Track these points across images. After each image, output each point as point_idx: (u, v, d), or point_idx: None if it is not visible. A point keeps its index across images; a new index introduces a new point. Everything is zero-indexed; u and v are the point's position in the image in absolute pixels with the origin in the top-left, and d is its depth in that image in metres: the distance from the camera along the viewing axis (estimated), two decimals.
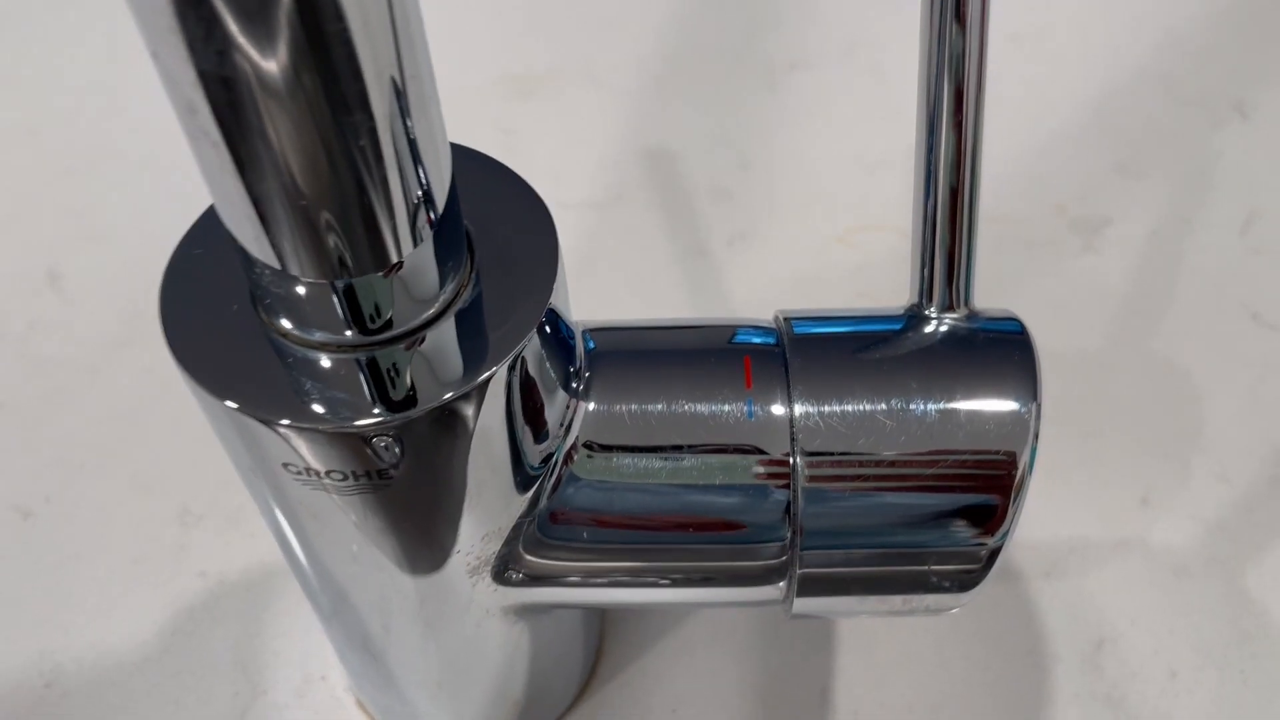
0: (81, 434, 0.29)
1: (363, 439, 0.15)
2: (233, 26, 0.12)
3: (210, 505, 0.28)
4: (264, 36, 0.12)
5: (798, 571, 0.19)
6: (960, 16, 0.19)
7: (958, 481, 0.19)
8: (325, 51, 0.12)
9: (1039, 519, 0.27)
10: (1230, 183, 0.34)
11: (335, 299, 0.15)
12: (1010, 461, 0.19)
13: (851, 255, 0.33)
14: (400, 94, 0.13)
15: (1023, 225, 0.34)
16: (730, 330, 0.20)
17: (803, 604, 0.20)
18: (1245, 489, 0.28)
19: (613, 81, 0.39)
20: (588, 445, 0.19)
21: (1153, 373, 0.30)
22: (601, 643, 0.25)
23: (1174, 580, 0.26)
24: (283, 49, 0.12)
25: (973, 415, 0.19)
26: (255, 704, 0.25)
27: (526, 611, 0.20)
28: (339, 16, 0.12)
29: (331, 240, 0.14)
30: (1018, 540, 0.27)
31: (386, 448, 0.16)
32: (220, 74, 0.12)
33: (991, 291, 0.30)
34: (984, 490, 0.19)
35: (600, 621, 0.25)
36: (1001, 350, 0.19)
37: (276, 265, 0.15)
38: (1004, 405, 0.19)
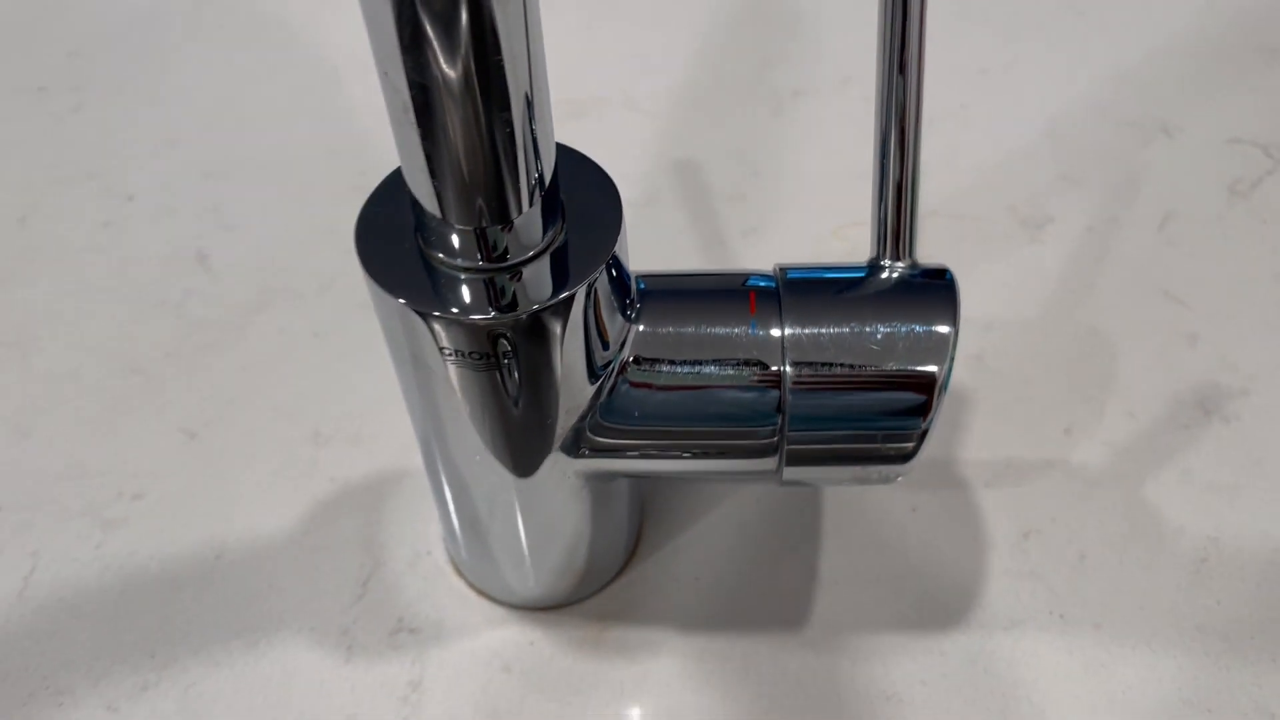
0: (231, 376, 0.37)
1: (483, 329, 0.23)
2: (432, 56, 0.20)
3: (336, 430, 0.36)
4: (452, 62, 0.20)
5: (785, 448, 0.27)
6: (903, 67, 0.26)
7: (899, 380, 0.26)
8: (487, 75, 0.20)
9: (984, 443, 0.35)
10: (1153, 189, 0.42)
11: (474, 239, 0.23)
12: (934, 369, 0.26)
13: (841, 245, 0.41)
14: (529, 104, 0.21)
15: (981, 222, 0.41)
16: (742, 276, 0.27)
17: (790, 472, 0.27)
18: (1148, 424, 0.35)
19: (648, 106, 0.47)
20: (636, 358, 0.26)
21: (1080, 336, 0.37)
22: (641, 529, 0.33)
23: (1086, 489, 0.33)
24: (462, 71, 0.20)
25: (909, 334, 0.26)
26: (376, 573, 0.32)
27: (590, 480, 0.28)
28: (498, 51, 0.20)
29: (476, 200, 0.22)
30: (967, 458, 0.34)
31: (500, 336, 0.23)
32: (421, 83, 0.20)
33: (955, 270, 0.37)
34: (916, 389, 0.26)
35: (640, 511, 0.33)
36: (933, 290, 0.27)
37: (439, 215, 0.23)
38: (932, 328, 0.26)
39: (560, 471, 0.27)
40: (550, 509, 0.28)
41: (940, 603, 0.31)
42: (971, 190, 0.42)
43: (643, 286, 0.27)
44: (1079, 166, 0.43)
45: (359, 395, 0.37)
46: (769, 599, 0.31)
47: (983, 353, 0.37)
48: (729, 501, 0.34)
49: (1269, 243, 0.40)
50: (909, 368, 0.26)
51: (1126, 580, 0.32)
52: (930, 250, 0.39)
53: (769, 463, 0.27)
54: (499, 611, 0.31)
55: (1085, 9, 0.51)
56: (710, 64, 0.49)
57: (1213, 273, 0.39)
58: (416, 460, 0.35)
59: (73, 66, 0.50)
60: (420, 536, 0.33)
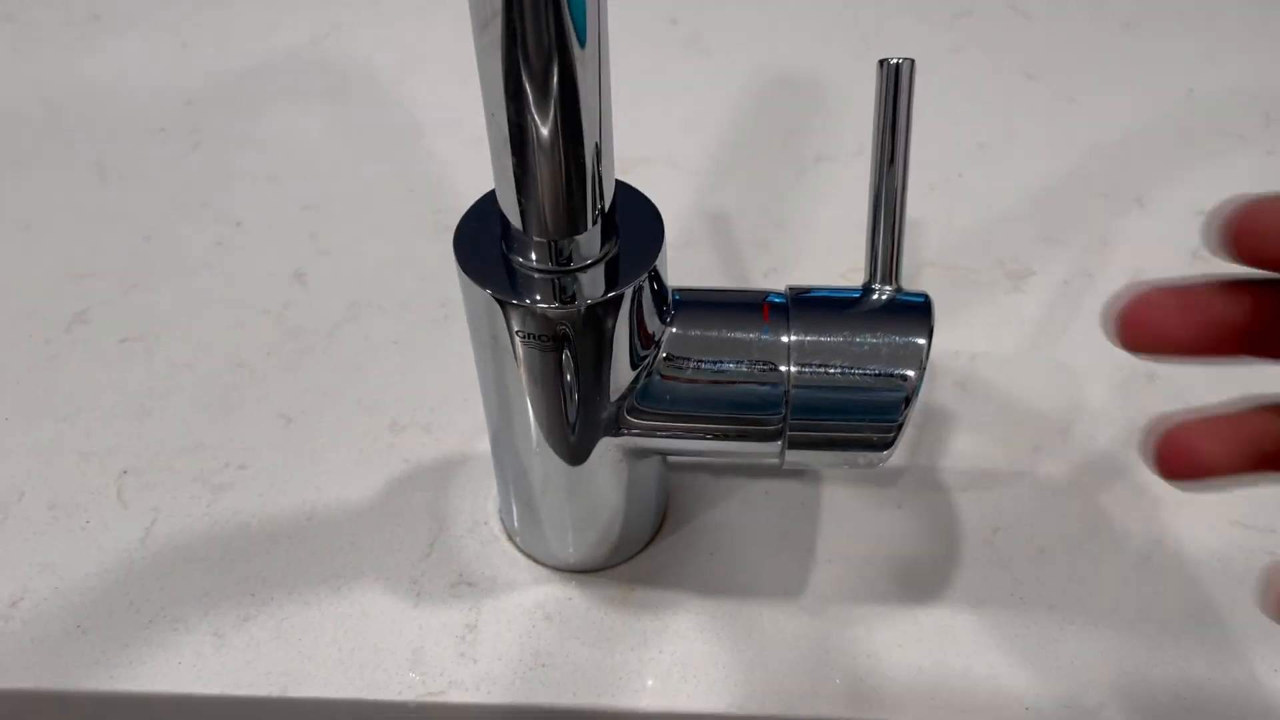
0: (322, 374, 0.44)
1: (550, 317, 0.29)
2: (528, 104, 0.26)
3: (410, 420, 0.42)
4: (542, 110, 0.27)
5: (787, 434, 0.33)
6: (892, 160, 0.33)
7: (880, 382, 0.32)
8: (568, 121, 0.27)
9: (962, 455, 0.40)
10: (1124, 251, 0.48)
11: (547, 248, 0.30)
12: (910, 373, 0.32)
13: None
14: (598, 146, 0.28)
15: (971, 272, 0.47)
16: (760, 294, 0.34)
17: (792, 455, 0.33)
18: (1106, 445, 0.40)
19: (687, 165, 0.54)
20: (669, 355, 0.33)
21: (1052, 371, 0.43)
22: (666, 510, 0.39)
23: (1049, 496, 0.39)
24: (549, 117, 0.27)
25: (890, 344, 0.32)
26: (441, 536, 0.38)
27: (626, 457, 0.34)
28: (577, 103, 0.27)
29: (550, 218, 0.29)
30: (947, 466, 0.40)
31: (562, 323, 0.30)
32: (519, 123, 0.27)
33: (946, 313, 0.44)
34: (895, 388, 0.32)
35: (666, 495, 0.39)
36: (912, 309, 0.33)
37: (520, 227, 0.29)
38: (909, 339, 0.32)
39: (602, 446, 0.33)
40: (592, 484, 0.34)
41: (918, 583, 0.37)
42: (964, 245, 0.49)
43: (677, 297, 0.33)
44: (1059, 229, 0.49)
45: (430, 393, 0.43)
46: (773, 573, 0.37)
47: (966, 380, 0.43)
48: (742, 492, 0.39)
49: None
50: (890, 370, 0.32)
51: (1079, 571, 0.37)
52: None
53: (774, 447, 0.33)
54: (544, 572, 0.37)
55: (1077, 95, 0.57)
56: (743, 131, 0.56)
57: None
58: (478, 447, 0.41)
59: (189, 112, 0.58)
60: (479, 509, 0.39)
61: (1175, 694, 0.34)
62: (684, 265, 0.48)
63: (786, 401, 0.32)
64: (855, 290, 0.34)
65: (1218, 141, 0.54)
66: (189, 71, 0.61)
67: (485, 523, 0.39)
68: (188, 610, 0.36)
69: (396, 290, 0.47)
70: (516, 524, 0.37)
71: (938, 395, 0.42)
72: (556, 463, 0.34)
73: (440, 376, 0.43)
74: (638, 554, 0.38)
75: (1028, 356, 0.44)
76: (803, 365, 0.32)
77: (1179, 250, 0.48)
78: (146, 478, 0.40)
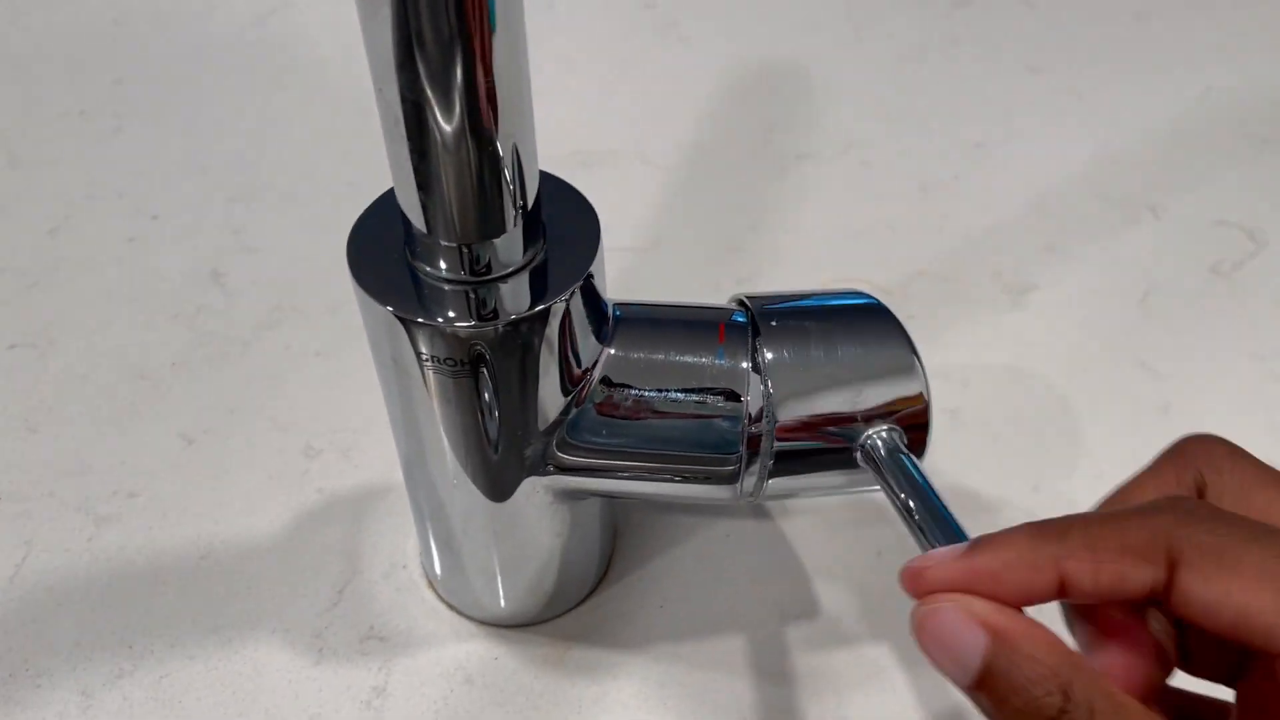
0: (233, 387, 0.39)
1: (462, 337, 0.24)
2: (424, 73, 0.21)
3: (328, 443, 0.37)
4: (442, 81, 0.22)
5: (757, 468, 0.28)
6: None
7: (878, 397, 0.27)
8: (474, 97, 0.22)
9: (953, 492, 0.35)
10: (1136, 265, 0.43)
11: (458, 253, 0.25)
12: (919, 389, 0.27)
13: None
14: (515, 129, 0.23)
15: (965, 285, 0.42)
16: (718, 311, 0.29)
17: (772, 487, 0.28)
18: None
19: (658, 160, 0.49)
20: (606, 379, 0.28)
21: (1054, 400, 0.38)
22: (611, 555, 0.34)
23: None
24: (451, 90, 0.22)
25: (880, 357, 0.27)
26: (353, 580, 0.33)
27: (559, 498, 0.29)
28: (489, 74, 0.22)
29: (460, 219, 0.24)
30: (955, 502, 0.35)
31: (476, 344, 0.25)
32: (414, 100, 0.22)
33: (937, 331, 0.39)
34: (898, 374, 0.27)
35: (612, 538, 0.34)
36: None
37: (425, 230, 0.24)
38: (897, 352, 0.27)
39: (529, 486, 0.28)
40: (519, 525, 0.29)
41: (898, 641, 0.32)
42: (958, 254, 0.44)
43: (618, 314, 0.28)
44: (1064, 239, 0.44)
45: (354, 413, 0.38)
46: (732, 629, 0.32)
47: (959, 408, 0.38)
48: (699, 534, 0.35)
49: (1248, 322, 0.41)
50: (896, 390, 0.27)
51: None
52: (914, 308, 0.41)
53: (730, 491, 0.28)
54: (468, 626, 0.32)
55: (1084, 92, 0.52)
56: (721, 126, 0.51)
57: (1190, 347, 0.40)
58: (401, 476, 0.36)
59: (115, 93, 0.53)
60: (398, 550, 0.34)
61: None
62: (647, 271, 0.43)
63: (748, 438, 0.27)
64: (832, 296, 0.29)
65: (1240, 145, 0.49)
66: (118, 48, 0.55)
67: (404, 566, 0.34)
68: (54, 663, 0.31)
69: (326, 295, 0.42)
70: (438, 570, 0.32)
71: None
72: (478, 502, 0.29)
73: (367, 395, 0.38)
74: (577, 606, 0.33)
75: (1027, 384, 0.39)
76: (768, 395, 0.27)
77: (1198, 265, 0.43)
78: (23, 505, 0.35)
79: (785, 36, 0.57)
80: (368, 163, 0.48)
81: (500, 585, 0.31)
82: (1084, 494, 0.35)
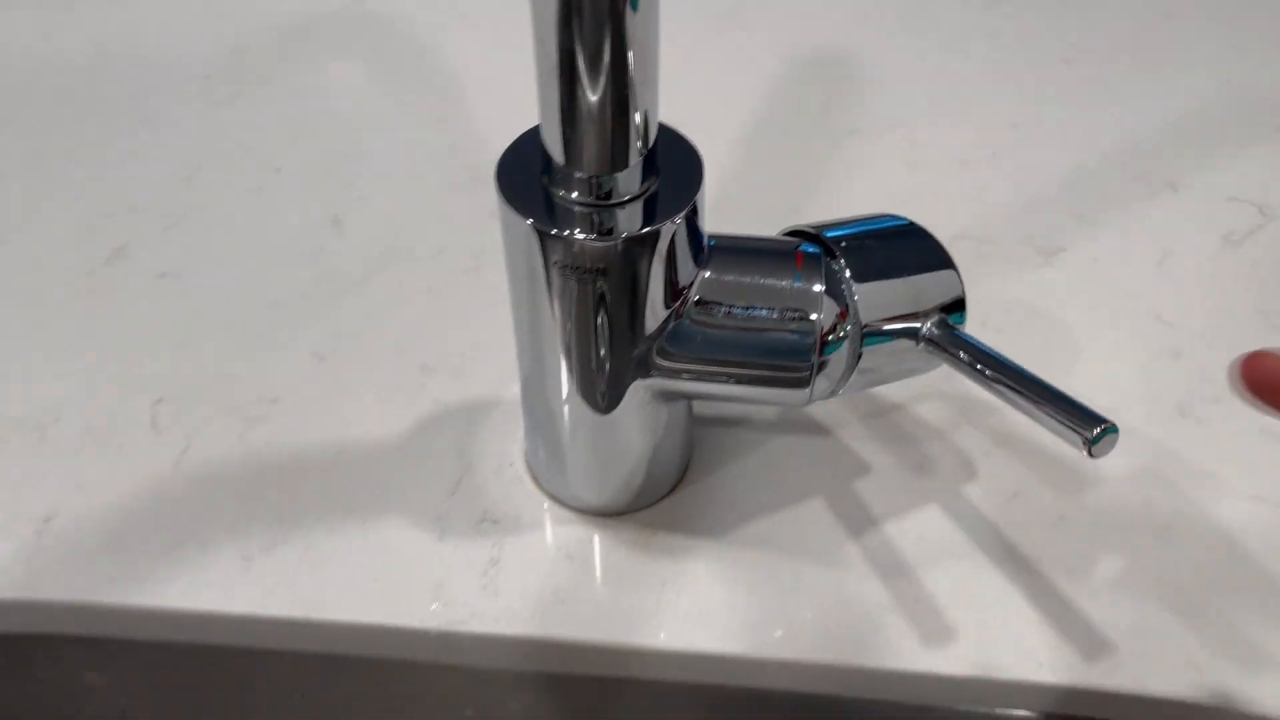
0: (355, 317, 0.45)
1: (586, 250, 0.30)
2: (579, 31, 0.27)
3: (440, 364, 0.43)
4: (594, 39, 0.27)
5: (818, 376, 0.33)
6: None
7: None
8: (618, 55, 0.27)
9: (987, 424, 0.40)
10: (1155, 232, 0.48)
11: (588, 183, 0.30)
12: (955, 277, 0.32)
13: None
14: (645, 85, 0.28)
15: (1001, 247, 0.48)
16: (793, 242, 0.34)
17: (820, 389, 0.33)
18: (1130, 422, 0.41)
19: (720, 133, 0.54)
20: (700, 300, 0.33)
21: (1079, 346, 0.43)
22: (689, 462, 0.39)
23: (1071, 464, 0.39)
24: (599, 48, 0.27)
25: (930, 280, 0.33)
26: (466, 476, 0.39)
27: (656, 401, 0.34)
28: (626, 39, 0.27)
29: (595, 154, 0.29)
30: (972, 433, 0.40)
31: (599, 256, 0.30)
32: (568, 49, 0.27)
33: (976, 287, 0.44)
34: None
35: (690, 446, 0.39)
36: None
37: (563, 163, 0.30)
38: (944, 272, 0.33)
39: (632, 388, 0.34)
40: (619, 425, 0.35)
41: (936, 541, 0.37)
42: (995, 221, 0.49)
43: (712, 243, 0.33)
44: (1091, 210, 0.49)
45: (461, 339, 0.43)
46: (792, 526, 0.37)
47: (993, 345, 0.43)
48: (765, 447, 0.40)
49: (1255, 283, 0.46)
50: (935, 302, 0.33)
51: (1097, 539, 0.37)
52: None
53: (802, 395, 0.34)
54: (567, 514, 0.38)
55: (1112, 82, 0.57)
56: (779, 104, 0.56)
57: (1201, 304, 0.45)
58: (507, 393, 0.41)
59: (234, 61, 0.59)
60: (505, 452, 0.40)
61: (1188, 659, 0.34)
62: (718, 225, 0.48)
63: (832, 343, 0.33)
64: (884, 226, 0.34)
65: (1253, 130, 0.54)
66: (236, 21, 0.61)
67: (511, 464, 0.39)
68: (217, 534, 0.37)
69: (432, 241, 0.48)
70: (542, 467, 0.38)
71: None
72: (585, 403, 0.34)
73: (471, 324, 0.44)
74: (660, 500, 0.38)
75: (1055, 331, 0.44)
76: (837, 309, 0.33)
77: (1212, 234, 0.48)
78: (180, 407, 0.41)
79: (837, 27, 0.62)
80: (464, 129, 0.54)
81: (598, 481, 0.37)
82: None
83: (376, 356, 0.43)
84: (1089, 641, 0.34)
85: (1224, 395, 0.41)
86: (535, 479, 0.39)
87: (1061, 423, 0.30)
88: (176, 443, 0.40)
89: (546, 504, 0.38)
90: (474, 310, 0.45)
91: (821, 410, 0.41)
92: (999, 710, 0.35)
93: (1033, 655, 0.34)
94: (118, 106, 0.56)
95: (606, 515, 0.38)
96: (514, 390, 0.41)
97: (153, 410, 0.41)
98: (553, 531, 0.37)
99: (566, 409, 0.35)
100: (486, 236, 0.48)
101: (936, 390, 0.42)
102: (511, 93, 0.44)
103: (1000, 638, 0.34)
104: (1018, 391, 0.31)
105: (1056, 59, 0.59)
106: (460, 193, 0.50)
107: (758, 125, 0.55)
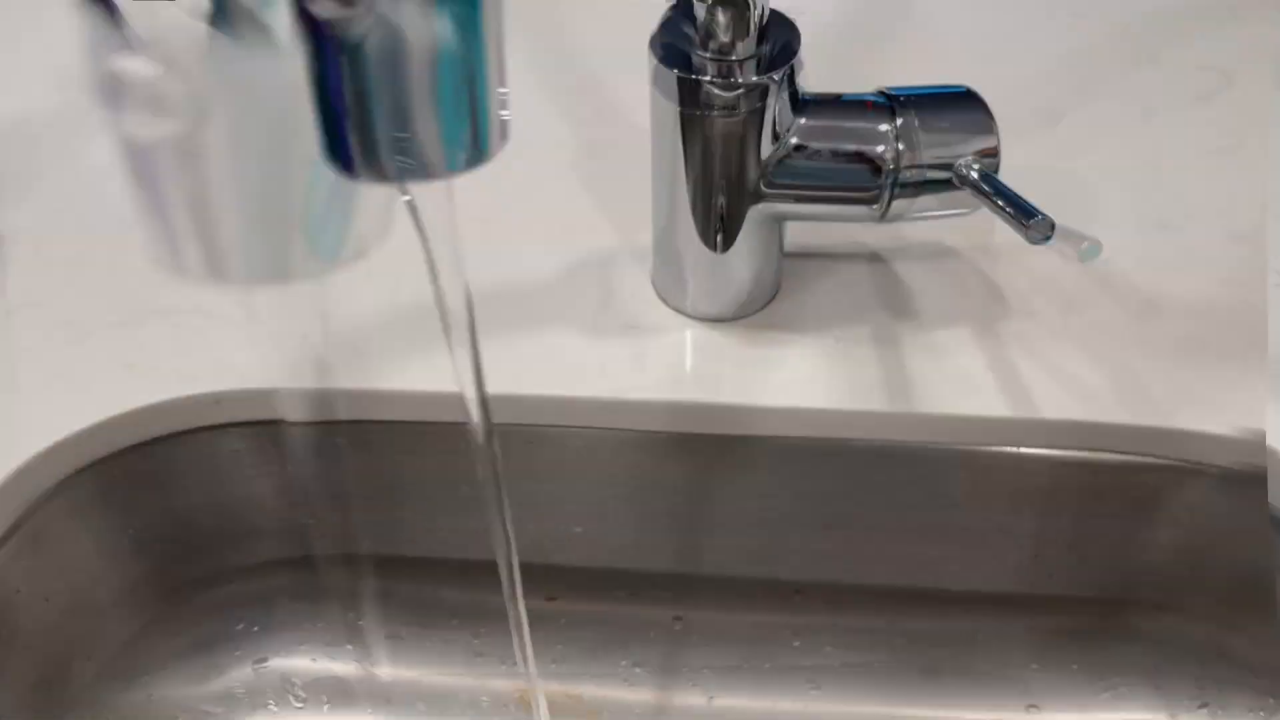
0: (510, 191, 0.56)
1: (716, 92, 0.41)
2: None
3: (579, 221, 0.54)
4: None
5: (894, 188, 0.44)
6: None
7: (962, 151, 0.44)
8: None
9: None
10: (1141, 97, 0.59)
11: (720, 48, 0.41)
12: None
13: None
14: None
15: (1010, 118, 0.59)
16: (866, 95, 0.45)
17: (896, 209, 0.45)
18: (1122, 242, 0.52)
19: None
20: (798, 143, 0.44)
21: (1074, 179, 0.55)
22: (780, 283, 0.51)
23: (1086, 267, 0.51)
24: None
25: (964, 123, 0.44)
26: (611, 297, 0.50)
27: (764, 225, 0.46)
28: None
29: (725, 27, 0.41)
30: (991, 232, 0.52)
31: (726, 96, 0.41)
32: None
33: None
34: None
35: (780, 270, 0.51)
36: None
37: (700, 34, 0.41)
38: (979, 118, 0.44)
39: (750, 212, 0.45)
40: (735, 245, 0.46)
41: (965, 328, 0.48)
42: (1007, 97, 0.60)
43: (805, 97, 0.45)
44: (1087, 83, 0.60)
45: (597, 209, 0.55)
46: (860, 323, 0.49)
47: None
48: (838, 273, 0.51)
49: (1219, 127, 0.57)
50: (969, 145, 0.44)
51: (1102, 318, 0.49)
52: None
53: (874, 210, 0.45)
54: (690, 321, 0.49)
55: None
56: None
57: (1180, 146, 0.56)
58: (631, 242, 0.53)
59: None
60: (637, 280, 0.51)
61: (1168, 404, 0.46)
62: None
63: (895, 172, 0.44)
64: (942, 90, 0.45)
65: (1214, 13, 0.64)
66: None
67: (643, 288, 0.51)
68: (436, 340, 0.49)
69: (555, 133, 0.59)
70: (670, 288, 0.50)
71: None
72: (709, 232, 0.46)
73: (598, 193, 0.55)
74: (759, 311, 0.50)
75: (1054, 174, 0.55)
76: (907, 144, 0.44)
77: (1185, 94, 0.59)
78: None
79: None
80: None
81: (715, 295, 0.48)
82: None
83: (536, 217, 0.54)
84: (1093, 393, 0.46)
85: (1196, 212, 0.53)
86: (662, 298, 0.51)
87: (1063, 239, 0.41)
88: (387, 289, 0.51)
89: (674, 314, 0.50)
90: (598, 185, 0.56)
91: (882, 245, 0.53)
92: (1028, 450, 0.47)
93: (1056, 402, 0.46)
94: None
95: (720, 321, 0.50)
96: (636, 240, 0.53)
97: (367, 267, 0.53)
98: (681, 332, 0.49)
99: (694, 236, 0.46)
100: (600, 131, 0.59)
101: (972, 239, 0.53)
102: None
103: (1025, 391, 0.46)
104: (1024, 224, 0.42)
105: None
106: (577, 94, 0.62)
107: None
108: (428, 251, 0.32)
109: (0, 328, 0.51)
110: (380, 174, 0.26)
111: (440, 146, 0.26)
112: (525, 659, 0.43)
